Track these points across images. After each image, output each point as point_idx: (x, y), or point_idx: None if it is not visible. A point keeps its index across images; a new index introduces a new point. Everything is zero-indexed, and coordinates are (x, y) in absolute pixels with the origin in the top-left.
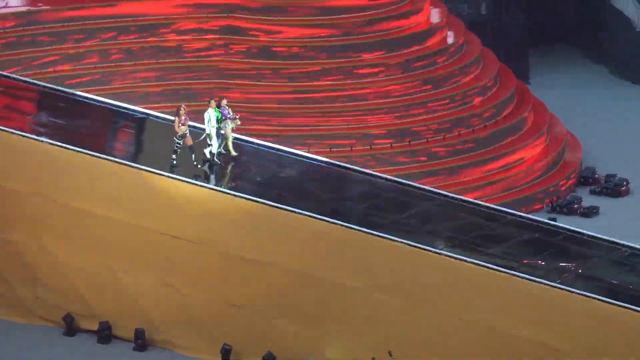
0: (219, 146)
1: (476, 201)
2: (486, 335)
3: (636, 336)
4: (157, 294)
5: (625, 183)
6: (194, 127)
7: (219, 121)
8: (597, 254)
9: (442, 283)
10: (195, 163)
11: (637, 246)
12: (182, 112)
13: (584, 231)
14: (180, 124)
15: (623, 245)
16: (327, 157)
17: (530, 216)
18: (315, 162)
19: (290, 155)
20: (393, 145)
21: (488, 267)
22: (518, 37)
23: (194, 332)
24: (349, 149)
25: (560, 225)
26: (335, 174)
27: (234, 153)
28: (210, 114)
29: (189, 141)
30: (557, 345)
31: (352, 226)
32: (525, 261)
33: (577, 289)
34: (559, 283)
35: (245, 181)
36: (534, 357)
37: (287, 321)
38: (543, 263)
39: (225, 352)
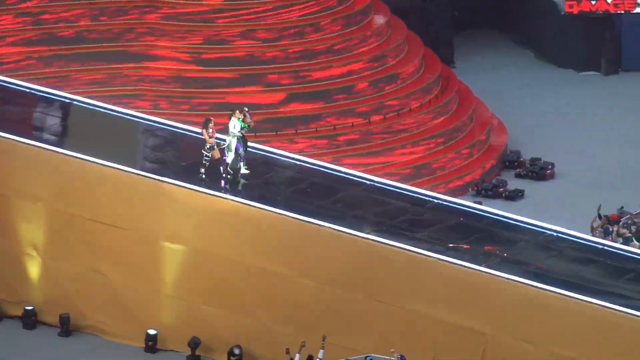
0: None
1: (402, 186)
2: (412, 320)
3: (561, 319)
4: (82, 280)
5: (550, 166)
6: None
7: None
8: (523, 237)
9: (368, 268)
10: (224, 175)
11: (563, 229)
12: (210, 124)
13: (510, 215)
14: (208, 137)
15: (548, 228)
16: (253, 142)
17: (455, 200)
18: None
19: (218, 140)
20: (318, 129)
21: (414, 252)
22: (443, 22)
23: (120, 317)
24: (275, 133)
25: (486, 209)
26: (261, 158)
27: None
28: (235, 123)
29: (217, 154)
30: (484, 330)
31: (280, 211)
32: (451, 245)
33: (503, 273)
34: (484, 267)
35: (170, 167)
36: (461, 341)
37: (214, 307)
38: (469, 247)
39: (151, 338)
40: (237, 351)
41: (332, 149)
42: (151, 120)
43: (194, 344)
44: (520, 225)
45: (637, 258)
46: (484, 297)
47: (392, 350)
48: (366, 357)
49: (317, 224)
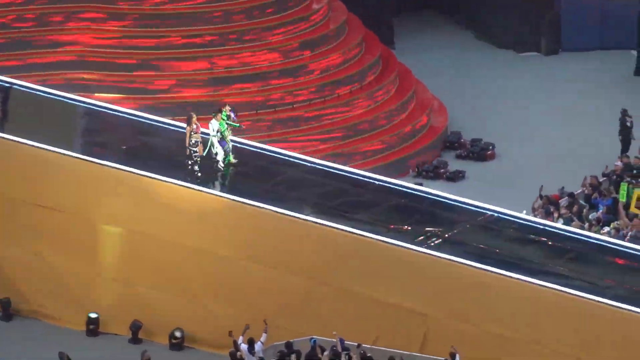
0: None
1: (343, 167)
2: (354, 302)
3: (502, 300)
4: (23, 264)
5: (490, 147)
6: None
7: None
8: (464, 218)
9: (310, 250)
10: (217, 173)
11: (503, 210)
12: (194, 119)
13: (450, 196)
14: (192, 132)
15: (489, 209)
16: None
17: (396, 181)
18: (182, 130)
19: (156, 124)
20: (258, 111)
21: (355, 234)
22: (383, 3)
23: (61, 301)
24: (213, 115)
25: (427, 190)
26: (202, 142)
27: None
28: (214, 124)
29: (200, 150)
30: (425, 311)
31: (222, 194)
32: (392, 226)
33: (444, 254)
34: (425, 248)
35: (111, 151)
36: (403, 323)
37: (155, 290)
38: (410, 228)
39: (92, 321)
40: (178, 334)
41: (271, 131)
42: (92, 104)
43: (135, 327)
44: (460, 206)
45: (577, 238)
46: (425, 278)
47: (335, 332)
48: (310, 339)
49: (258, 206)
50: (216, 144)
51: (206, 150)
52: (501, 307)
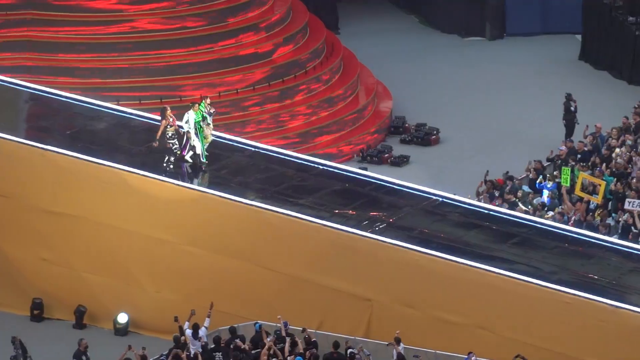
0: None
1: (286, 152)
2: (298, 286)
3: (446, 284)
4: None
5: (435, 132)
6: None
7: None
8: (408, 203)
9: (253, 234)
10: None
11: (447, 194)
12: (168, 112)
13: (395, 180)
14: (168, 125)
15: (433, 194)
16: (137, 110)
17: (340, 166)
18: (125, 115)
19: (100, 108)
20: (202, 96)
21: (299, 218)
22: None
23: (5, 286)
24: (159, 100)
25: (371, 174)
26: (145, 126)
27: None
28: (189, 118)
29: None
30: (370, 295)
31: (164, 178)
32: (337, 211)
33: (388, 238)
34: (370, 232)
35: (54, 135)
36: (347, 307)
37: (99, 275)
38: (354, 213)
39: (36, 306)
40: (122, 319)
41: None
42: (37, 89)
43: (80, 312)
44: (405, 191)
45: (522, 222)
46: (369, 263)
47: (279, 317)
48: (255, 324)
49: (201, 191)
50: (193, 137)
51: (183, 142)
52: (446, 292)
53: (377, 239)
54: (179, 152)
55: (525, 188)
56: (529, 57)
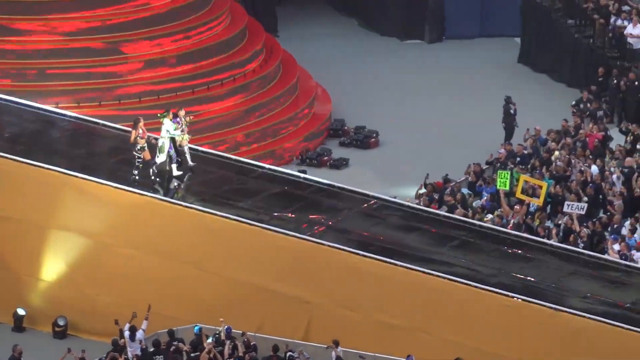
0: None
1: (226, 155)
2: (237, 289)
3: (386, 287)
4: None
5: (374, 135)
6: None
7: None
8: (347, 206)
9: (193, 237)
10: (152, 178)
11: (386, 197)
12: (140, 124)
13: (334, 183)
14: (138, 137)
15: (372, 196)
16: (75, 112)
17: (280, 169)
18: (64, 117)
19: (38, 111)
20: (141, 99)
21: (238, 221)
22: None
23: None
24: (98, 103)
25: (310, 177)
26: (84, 129)
27: (191, 163)
28: (168, 125)
29: (147, 155)
30: (309, 298)
31: (103, 181)
32: (276, 214)
33: (328, 242)
34: (309, 236)
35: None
36: (286, 310)
37: (36, 278)
38: (293, 216)
39: None
40: (61, 322)
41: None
42: None
43: (19, 315)
44: (344, 194)
45: (461, 225)
46: (309, 266)
47: (222, 320)
48: (194, 327)
49: (141, 193)
50: (165, 149)
51: (158, 154)
52: (386, 295)
53: (317, 242)
54: (141, 165)
55: (465, 191)
56: (468, 60)
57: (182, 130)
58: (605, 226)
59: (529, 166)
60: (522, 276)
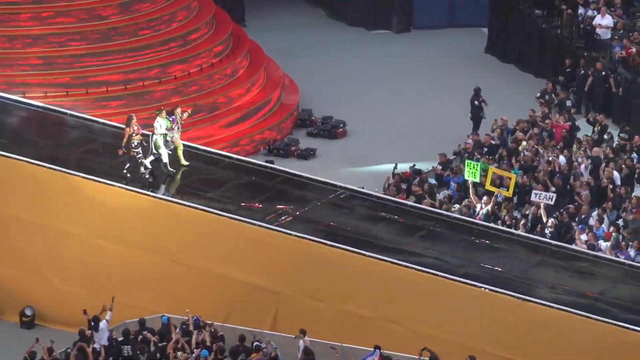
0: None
1: (194, 145)
2: (205, 279)
3: (353, 278)
4: None
5: (341, 125)
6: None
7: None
8: (315, 196)
9: (160, 227)
10: (146, 175)
11: (354, 187)
12: (133, 121)
13: (302, 173)
14: (133, 134)
15: (340, 187)
16: (43, 102)
17: (247, 159)
18: (31, 108)
19: (5, 101)
20: (109, 89)
21: (206, 211)
22: None
23: None
24: (65, 93)
25: (278, 167)
26: (51, 119)
27: (184, 162)
28: (160, 122)
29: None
30: (277, 288)
31: (70, 171)
32: (244, 204)
33: (295, 232)
34: (276, 226)
35: None
36: (254, 300)
37: (3, 267)
38: (261, 206)
39: None
40: (29, 312)
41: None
42: None
43: None
44: (312, 184)
45: (429, 215)
46: (277, 256)
47: (188, 311)
48: (162, 317)
49: (109, 184)
50: (161, 145)
51: (155, 151)
52: (353, 285)
53: (284, 232)
54: (142, 160)
55: (432, 181)
56: (436, 50)
57: (178, 129)
58: (572, 216)
59: (496, 156)
60: (489, 266)
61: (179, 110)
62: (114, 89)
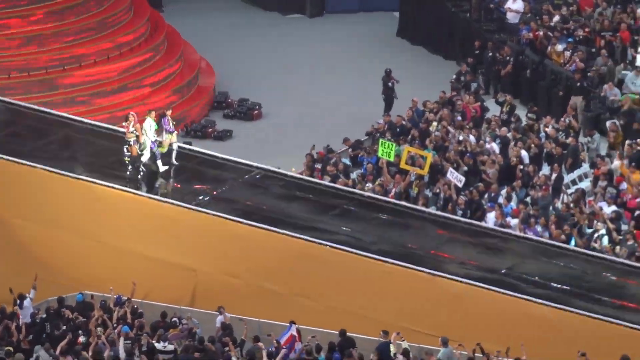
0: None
1: (113, 127)
2: (122, 257)
3: (270, 256)
4: None
5: (257, 107)
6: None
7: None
8: (231, 176)
9: (79, 206)
10: (141, 172)
11: (269, 167)
12: (131, 118)
13: (218, 154)
14: (130, 132)
15: (256, 167)
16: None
17: None
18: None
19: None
20: (30, 73)
21: (123, 190)
22: None
23: None
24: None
25: (195, 148)
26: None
27: (175, 162)
28: (151, 124)
29: (134, 150)
30: (194, 266)
31: None
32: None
33: (212, 211)
34: (193, 205)
35: None
36: (172, 278)
37: None
38: (179, 186)
39: None
40: None
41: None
42: None
43: None
44: (228, 164)
45: (342, 194)
46: (193, 235)
47: (111, 288)
48: (78, 295)
49: (28, 165)
50: (148, 146)
51: (143, 151)
52: (269, 263)
53: (201, 211)
54: (127, 160)
55: (346, 161)
56: (348, 34)
57: (171, 131)
58: (482, 194)
59: (408, 137)
60: (401, 243)
61: (169, 112)
62: (34, 74)
